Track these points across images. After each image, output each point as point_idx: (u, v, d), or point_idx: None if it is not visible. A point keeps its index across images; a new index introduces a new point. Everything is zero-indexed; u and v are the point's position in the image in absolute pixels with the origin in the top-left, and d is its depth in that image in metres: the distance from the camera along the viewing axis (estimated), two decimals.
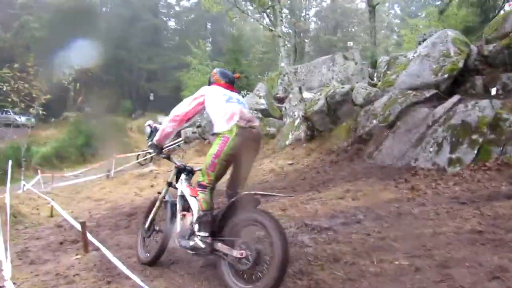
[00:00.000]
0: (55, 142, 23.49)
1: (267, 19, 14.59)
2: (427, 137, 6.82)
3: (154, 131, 13.09)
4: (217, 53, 33.88)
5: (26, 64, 11.89)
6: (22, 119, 21.17)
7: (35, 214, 7.69)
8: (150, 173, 10.10)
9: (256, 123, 3.30)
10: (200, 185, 3.18)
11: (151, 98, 37.42)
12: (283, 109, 12.81)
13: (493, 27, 8.79)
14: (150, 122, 15.64)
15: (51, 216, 7.48)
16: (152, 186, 9.00)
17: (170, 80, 35.55)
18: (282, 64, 12.79)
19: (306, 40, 30.51)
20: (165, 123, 3.51)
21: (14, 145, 16.62)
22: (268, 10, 13.26)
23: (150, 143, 3.81)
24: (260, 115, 12.65)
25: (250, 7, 15.20)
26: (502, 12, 20.70)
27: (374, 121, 8.24)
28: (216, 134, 3.16)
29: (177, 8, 44.40)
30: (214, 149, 3.10)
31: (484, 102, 6.44)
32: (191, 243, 3.09)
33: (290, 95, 11.61)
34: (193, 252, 3.12)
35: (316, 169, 8.15)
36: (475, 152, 6.02)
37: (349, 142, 8.64)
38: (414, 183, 5.85)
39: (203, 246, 3.01)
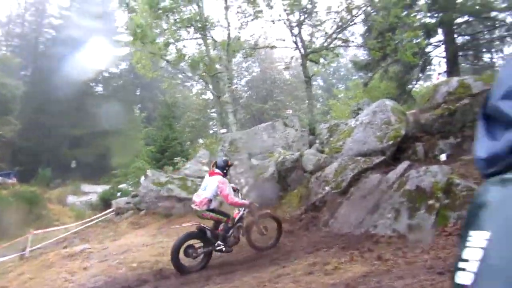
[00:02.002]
0: None
1: (210, 86, 14.66)
2: (384, 203, 6.84)
3: None
4: (147, 119, 33.27)
5: None
6: None
7: None
8: (81, 253, 8.83)
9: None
10: None
11: (73, 165, 34.94)
12: (227, 176, 12.45)
13: (426, 97, 9.57)
14: None
15: None
16: (85, 268, 7.76)
17: (96, 146, 33.74)
18: (223, 131, 12.66)
19: (239, 108, 31.35)
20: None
21: None
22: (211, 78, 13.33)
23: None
24: None
25: (189, 74, 15.30)
26: (416, 86, 23.24)
27: (327, 188, 8.18)
28: None
29: (105, 74, 43.64)
30: None
31: (435, 168, 6.69)
32: None
33: (236, 162, 11.36)
34: None
35: None
36: (433, 217, 6.08)
37: (302, 210, 8.43)
38: (379, 252, 5.68)
39: None
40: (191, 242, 6.53)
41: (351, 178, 7.88)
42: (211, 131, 34.84)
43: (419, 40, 15.03)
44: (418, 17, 18.19)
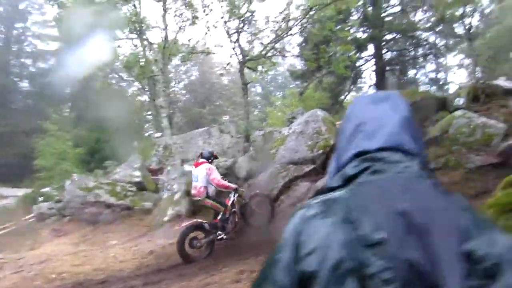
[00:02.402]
0: None
1: (146, 88, 14.26)
2: None
3: None
4: (78, 118, 31.41)
5: None
6: None
7: None
8: None
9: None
10: None
11: None
12: (160, 182, 12.16)
13: None
14: None
15: None
16: None
17: (19, 146, 31.19)
18: (158, 135, 12.36)
19: (177, 112, 30.79)
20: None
21: None
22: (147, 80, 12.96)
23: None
24: (134, 188, 11.71)
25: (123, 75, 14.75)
26: (348, 97, 24.42)
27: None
28: None
29: (32, 69, 40.66)
30: None
31: None
32: None
33: (169, 168, 11.13)
34: None
35: None
36: None
37: None
38: None
39: None
40: (194, 234, 6.96)
41: (282, 186, 8.07)
42: (146, 134, 33.82)
43: (351, 53, 15.79)
44: (351, 31, 19.22)
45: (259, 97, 45.34)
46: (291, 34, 14.23)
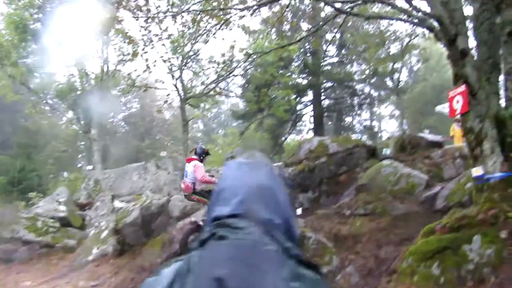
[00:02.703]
0: None
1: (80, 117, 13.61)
2: None
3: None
4: (2, 145, 29.21)
5: None
6: None
7: None
8: None
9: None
10: None
11: None
12: (87, 218, 11.48)
13: (291, 152, 10.43)
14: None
15: None
16: None
17: None
18: (89, 167, 11.82)
19: (114, 144, 29.71)
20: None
21: None
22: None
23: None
24: (57, 224, 10.92)
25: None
26: (288, 139, 25.22)
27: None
28: None
29: None
30: None
31: None
32: None
33: (98, 203, 10.60)
34: None
35: None
36: None
37: (163, 258, 8.16)
38: None
39: None
40: (195, 235, 7.25)
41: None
42: (78, 166, 32.12)
43: (291, 98, 16.47)
44: (292, 77, 20.17)
45: (200, 133, 45.31)
46: (233, 75, 14.56)
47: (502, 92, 5.61)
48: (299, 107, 25.19)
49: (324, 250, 6.57)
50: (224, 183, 1.02)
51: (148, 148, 30.34)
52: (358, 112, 29.58)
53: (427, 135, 13.97)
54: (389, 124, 43.46)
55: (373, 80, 25.80)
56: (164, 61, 12.18)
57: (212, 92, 13.90)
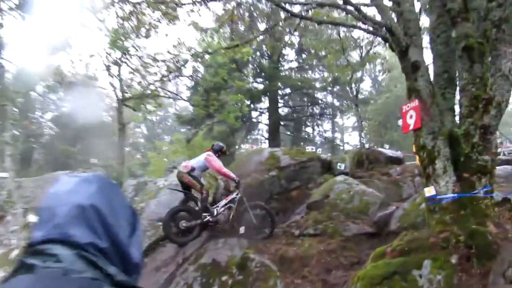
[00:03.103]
0: None
1: None
2: (177, 277, 6.86)
3: None
4: None
5: None
6: None
7: None
8: None
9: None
10: None
11: None
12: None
13: (239, 165, 10.38)
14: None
15: None
16: None
17: None
18: (4, 175, 11.14)
19: (36, 147, 28.31)
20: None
21: None
22: None
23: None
24: None
25: None
26: (241, 149, 25.20)
27: None
28: None
29: None
30: None
31: (233, 241, 7.12)
32: None
33: (9, 217, 9.94)
34: None
35: None
36: None
37: None
38: None
39: None
40: (180, 215, 7.59)
41: (147, 247, 7.76)
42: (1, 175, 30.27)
43: (242, 104, 16.50)
44: (246, 81, 20.25)
45: (143, 139, 44.32)
46: (179, 76, 14.38)
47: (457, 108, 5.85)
48: (254, 114, 25.38)
49: (268, 273, 6.53)
50: (45, 201, 0.96)
51: (79, 154, 29.19)
52: (319, 122, 30.27)
53: (387, 150, 14.46)
54: (352, 137, 44.63)
55: (335, 89, 26.49)
56: (107, 54, 11.81)
57: (154, 93, 13.62)
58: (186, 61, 13.60)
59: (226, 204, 8.13)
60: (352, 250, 7.48)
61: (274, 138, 23.13)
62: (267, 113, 24.83)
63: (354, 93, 19.29)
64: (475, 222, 4.79)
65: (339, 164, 11.59)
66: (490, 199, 5.06)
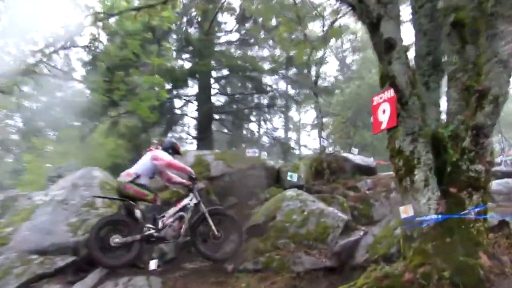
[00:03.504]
0: None
1: None
2: None
3: None
4: None
5: None
6: None
7: None
8: None
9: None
10: None
11: None
12: None
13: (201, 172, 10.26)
14: None
15: None
16: None
17: None
18: None
19: None
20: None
21: None
22: None
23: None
24: None
25: None
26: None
27: None
28: None
29: None
30: None
31: (140, 280, 6.98)
32: None
33: None
34: None
35: None
36: None
37: None
38: None
39: None
40: (111, 227, 7.75)
41: None
42: None
43: (160, 89, 16.27)
44: (167, 57, 19.95)
45: (17, 135, 42.54)
46: (72, 47, 13.97)
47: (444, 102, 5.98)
48: (177, 103, 25.09)
49: None
50: None
51: None
52: (267, 116, 30.33)
53: (355, 156, 14.73)
54: (311, 137, 44.71)
55: (289, 73, 26.46)
56: None
57: (32, 69, 13.13)
58: (81, 26, 13.25)
59: (175, 213, 8.24)
60: None
61: (204, 137, 23.03)
62: (195, 103, 24.66)
63: (314, 78, 19.52)
64: (464, 252, 4.87)
65: (290, 174, 11.68)
66: (483, 222, 5.13)
